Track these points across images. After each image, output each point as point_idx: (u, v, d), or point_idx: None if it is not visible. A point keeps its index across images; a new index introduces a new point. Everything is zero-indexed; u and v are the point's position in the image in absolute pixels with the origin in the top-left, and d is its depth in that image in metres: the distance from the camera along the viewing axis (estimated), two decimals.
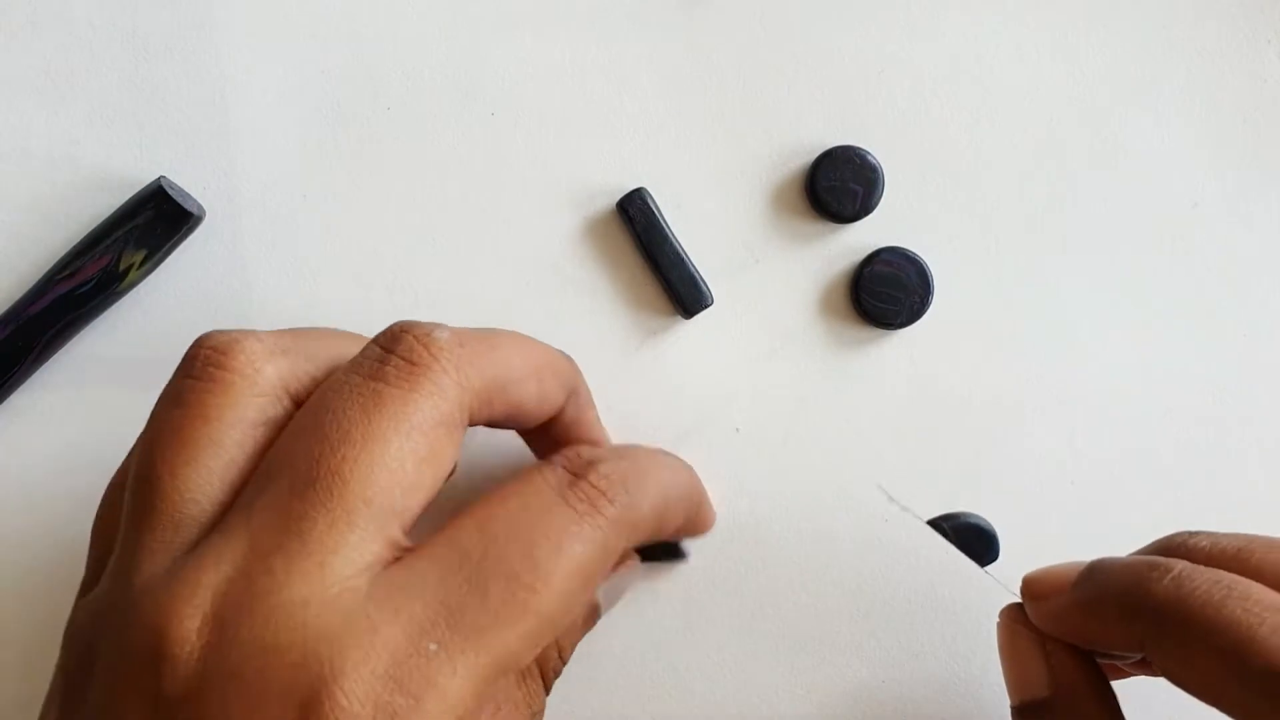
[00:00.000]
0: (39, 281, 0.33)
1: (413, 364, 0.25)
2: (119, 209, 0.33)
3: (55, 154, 0.34)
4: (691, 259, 0.35)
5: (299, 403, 0.26)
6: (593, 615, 0.31)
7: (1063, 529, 0.35)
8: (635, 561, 0.33)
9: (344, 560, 0.23)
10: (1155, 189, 0.36)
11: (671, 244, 0.35)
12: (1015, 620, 0.30)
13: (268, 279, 0.34)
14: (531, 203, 0.35)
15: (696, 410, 0.35)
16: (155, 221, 0.33)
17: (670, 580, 0.35)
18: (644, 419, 0.35)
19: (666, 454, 0.32)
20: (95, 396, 0.34)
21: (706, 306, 0.35)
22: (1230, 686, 0.25)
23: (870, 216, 0.35)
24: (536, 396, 0.29)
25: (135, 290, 0.34)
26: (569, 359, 0.31)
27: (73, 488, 0.34)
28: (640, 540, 0.27)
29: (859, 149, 0.35)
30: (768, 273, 0.35)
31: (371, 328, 0.34)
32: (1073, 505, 0.36)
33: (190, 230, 0.34)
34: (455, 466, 0.26)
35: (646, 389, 0.35)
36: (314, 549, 0.23)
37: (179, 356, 0.34)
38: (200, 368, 0.26)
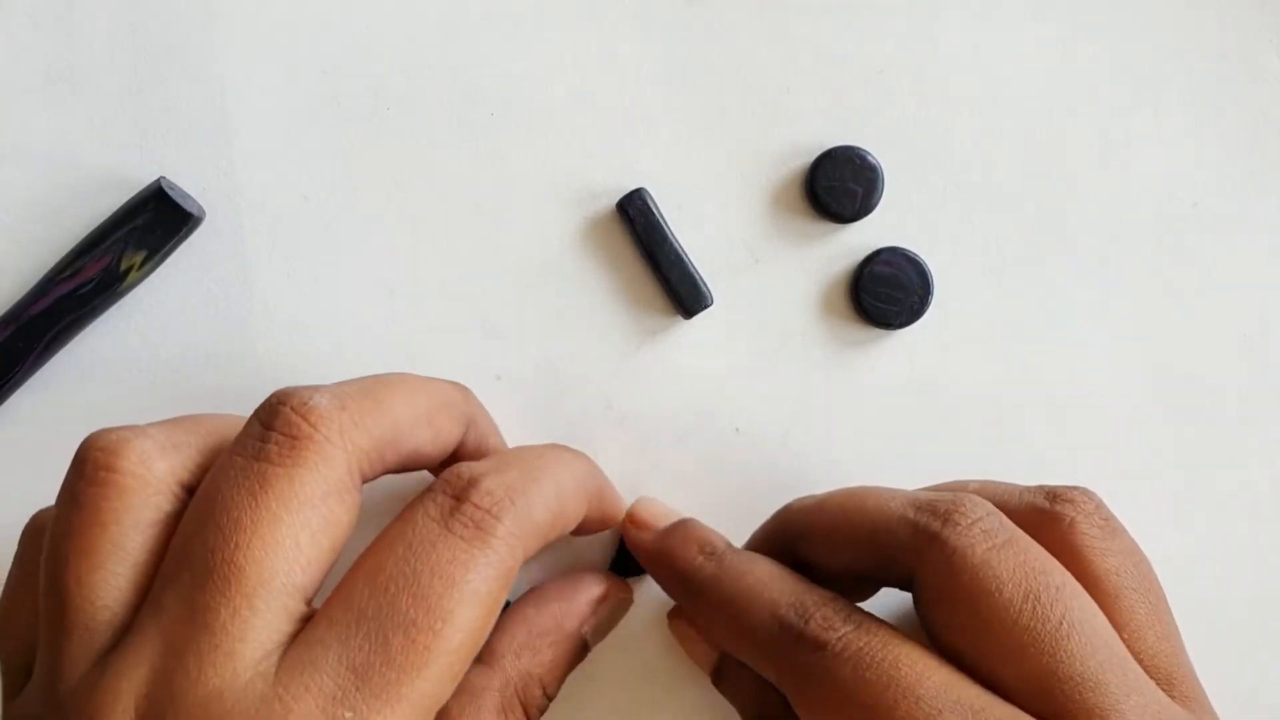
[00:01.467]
0: (39, 282, 0.33)
1: (294, 438, 0.25)
2: (119, 210, 0.33)
3: (56, 154, 0.34)
4: (691, 259, 0.35)
5: (193, 492, 0.26)
6: (580, 650, 0.31)
7: None
8: (627, 595, 0.33)
9: (252, 646, 0.24)
10: (1155, 189, 0.36)
11: (671, 244, 0.35)
12: (675, 613, 0.34)
13: (268, 279, 0.34)
14: (531, 203, 0.35)
15: (696, 410, 0.35)
16: (156, 222, 0.33)
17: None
18: (644, 419, 0.35)
19: (558, 449, 0.31)
20: (96, 397, 0.34)
21: (706, 307, 0.35)
22: (735, 644, 0.29)
23: (870, 217, 0.35)
24: (431, 439, 0.29)
25: (136, 291, 0.34)
26: (461, 390, 0.31)
27: None
28: (540, 546, 0.27)
29: (859, 149, 0.35)
30: (768, 273, 0.35)
31: (372, 328, 0.35)
32: None
33: (190, 231, 0.34)
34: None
35: (646, 389, 0.35)
36: (221, 640, 0.24)
37: (180, 357, 0.34)
38: (92, 471, 0.26)
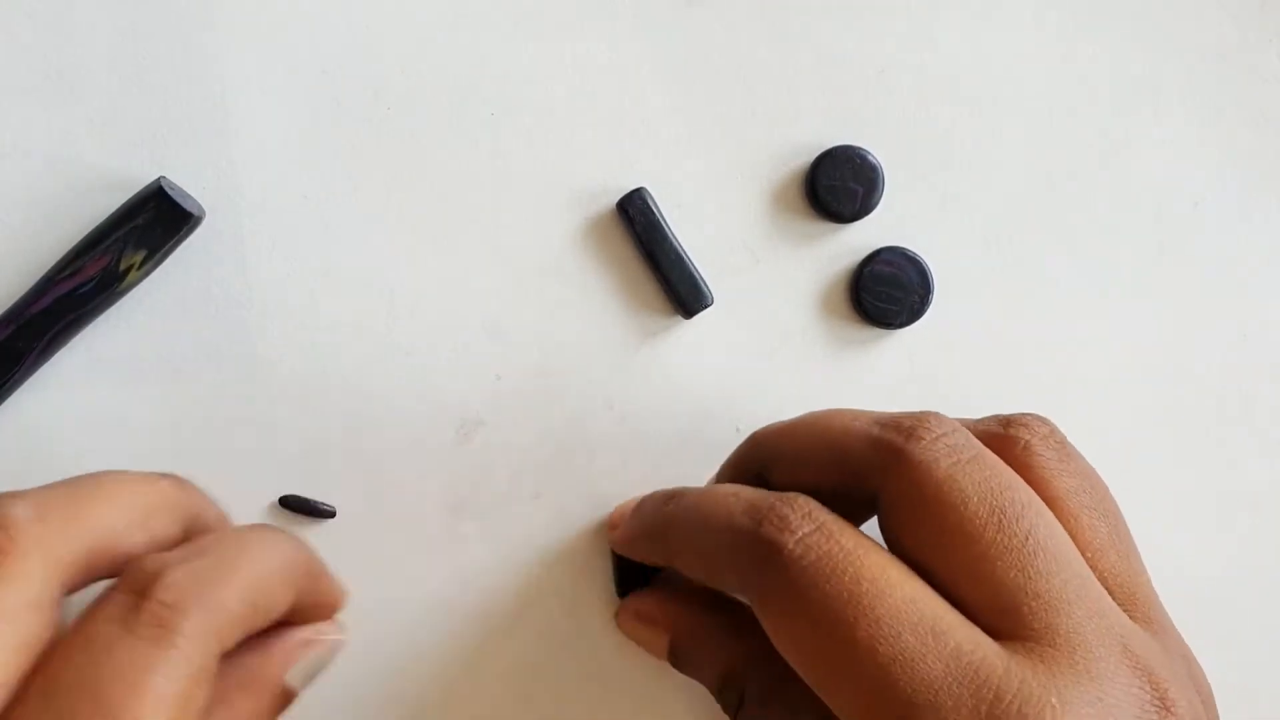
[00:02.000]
0: (39, 281, 0.33)
1: None
2: (119, 209, 0.33)
3: (55, 154, 0.34)
4: (691, 259, 0.35)
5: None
6: (284, 699, 0.29)
7: None
8: (338, 636, 0.30)
9: None
10: (1156, 189, 0.36)
11: (671, 244, 0.35)
12: (621, 613, 0.34)
13: (268, 279, 0.34)
14: (531, 203, 0.35)
15: (696, 410, 0.35)
16: (155, 221, 0.33)
17: None
18: (644, 419, 0.35)
19: (262, 531, 0.28)
20: (96, 396, 0.34)
21: (706, 306, 0.35)
22: (703, 569, 0.29)
23: (870, 216, 0.35)
24: (145, 544, 0.27)
25: (135, 290, 0.34)
26: (179, 485, 0.29)
27: None
28: (241, 636, 0.26)
29: (859, 149, 0.35)
30: (768, 273, 0.35)
31: (372, 328, 0.34)
32: None
33: (190, 230, 0.34)
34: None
35: (646, 389, 0.35)
36: None
37: (179, 356, 0.34)
38: None
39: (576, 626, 0.35)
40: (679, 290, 0.35)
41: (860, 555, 0.25)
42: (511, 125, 0.35)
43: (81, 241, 0.33)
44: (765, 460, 0.30)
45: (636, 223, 0.34)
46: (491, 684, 0.35)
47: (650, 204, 0.35)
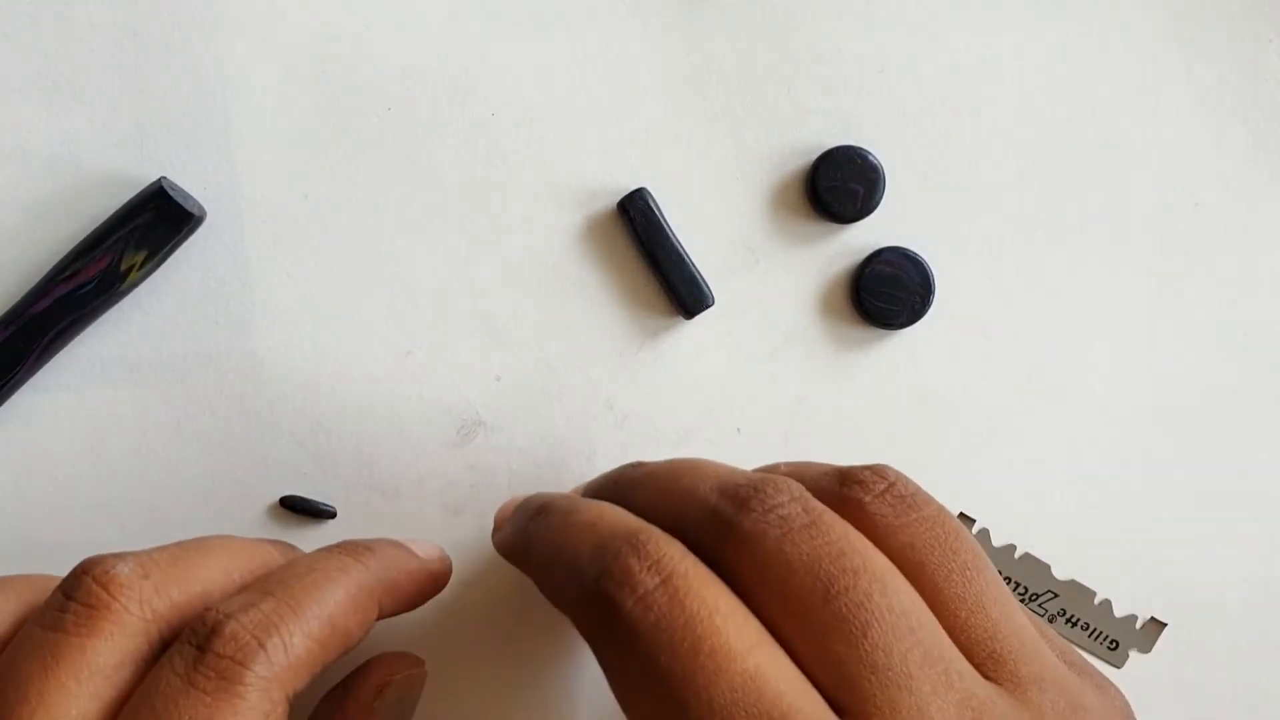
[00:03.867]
0: (40, 282, 0.33)
1: (91, 607, 0.25)
2: (120, 210, 0.33)
3: (56, 155, 0.34)
4: (692, 259, 0.35)
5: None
6: None
7: (1062, 529, 0.36)
8: (416, 670, 0.32)
9: None
10: (1156, 189, 0.36)
11: (672, 244, 0.35)
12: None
13: (269, 279, 0.34)
14: (532, 203, 0.35)
15: (697, 410, 0.35)
16: (156, 222, 0.33)
17: None
18: (644, 419, 0.35)
19: (330, 558, 0.28)
20: (96, 397, 0.34)
21: (707, 307, 0.35)
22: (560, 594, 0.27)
23: (871, 217, 0.35)
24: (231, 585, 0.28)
25: (136, 291, 0.34)
26: (283, 550, 0.30)
27: (74, 489, 0.34)
28: (310, 676, 0.26)
29: (860, 149, 0.35)
30: (768, 273, 0.35)
31: (373, 327, 0.34)
32: (1072, 505, 0.36)
33: (191, 231, 0.34)
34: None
35: (647, 389, 0.35)
36: None
37: (180, 357, 0.34)
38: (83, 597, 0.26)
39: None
40: (680, 290, 0.35)
41: (704, 619, 0.24)
42: (512, 125, 0.35)
43: (82, 242, 0.33)
44: (625, 506, 0.29)
45: (637, 223, 0.34)
46: (491, 684, 0.35)
47: (651, 204, 0.35)
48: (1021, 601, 0.34)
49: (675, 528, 0.27)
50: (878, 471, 0.27)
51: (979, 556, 0.26)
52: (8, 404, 0.34)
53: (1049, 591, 0.35)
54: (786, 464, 0.29)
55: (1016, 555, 0.35)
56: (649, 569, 0.25)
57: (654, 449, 0.35)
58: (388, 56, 0.35)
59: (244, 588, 0.27)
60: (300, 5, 0.34)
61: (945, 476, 0.35)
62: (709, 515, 0.26)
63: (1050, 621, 0.34)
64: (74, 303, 0.33)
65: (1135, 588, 0.36)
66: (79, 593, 0.25)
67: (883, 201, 0.35)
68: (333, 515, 0.35)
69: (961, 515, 0.33)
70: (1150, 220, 0.36)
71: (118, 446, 0.34)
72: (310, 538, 0.35)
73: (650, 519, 0.27)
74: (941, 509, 0.27)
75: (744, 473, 0.27)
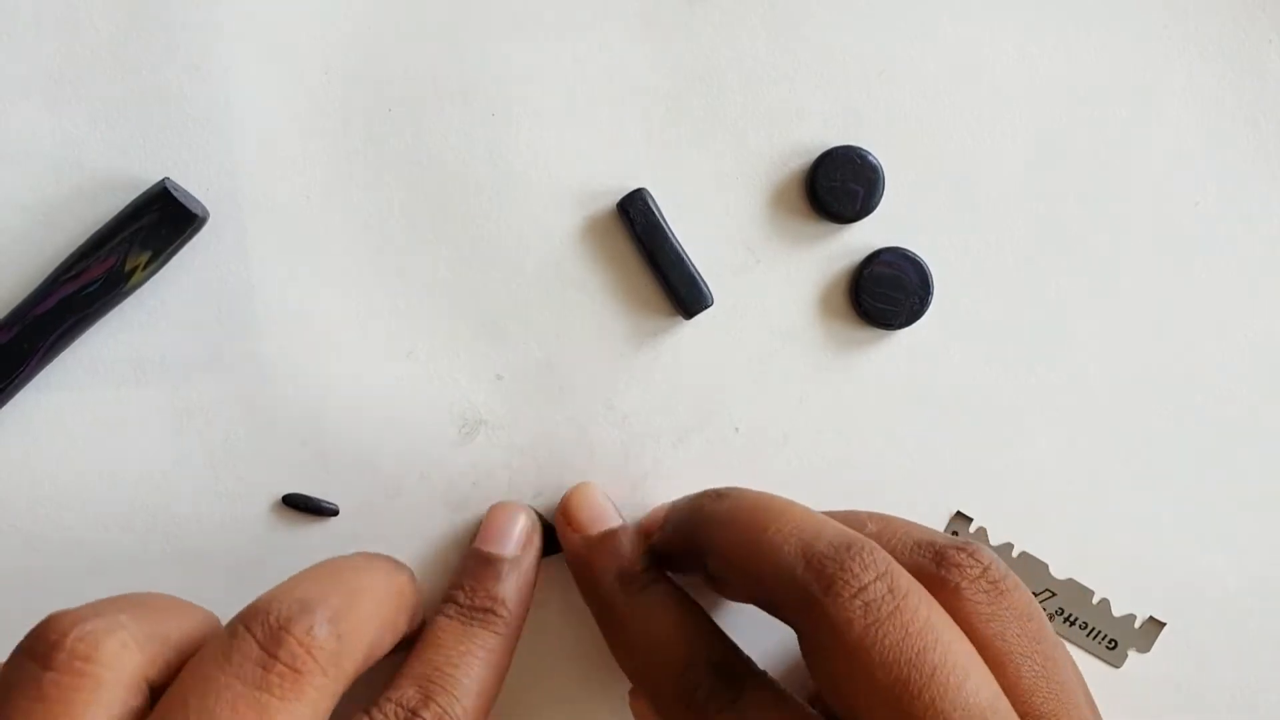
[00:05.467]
0: (44, 283, 0.33)
1: (297, 671, 0.25)
2: (123, 210, 0.34)
3: (60, 156, 0.34)
4: (692, 259, 0.35)
5: (158, 690, 0.26)
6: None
7: (1059, 528, 0.36)
8: None
9: None
10: (1156, 189, 0.35)
11: (672, 244, 0.35)
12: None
13: (272, 280, 0.35)
14: (532, 203, 0.35)
15: (696, 410, 0.35)
16: (160, 223, 0.33)
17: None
18: (644, 419, 0.35)
19: (375, 567, 0.31)
20: (100, 397, 0.34)
21: (707, 307, 0.35)
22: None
23: (870, 217, 0.35)
24: (392, 641, 0.30)
25: (140, 291, 0.34)
26: (410, 578, 0.32)
27: (77, 489, 0.34)
28: (353, 679, 0.27)
29: (859, 149, 0.35)
30: (768, 273, 0.35)
31: (374, 327, 0.35)
32: (1072, 506, 0.36)
33: (195, 231, 0.34)
34: None
35: (647, 389, 0.35)
36: None
37: (184, 357, 0.35)
38: (66, 660, 0.25)
39: (576, 626, 0.35)
40: (679, 291, 0.35)
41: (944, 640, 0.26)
42: (512, 126, 0.35)
43: (86, 243, 0.34)
44: (704, 550, 0.30)
45: (637, 223, 0.35)
46: None
47: (651, 204, 0.35)
48: None
49: (756, 589, 0.28)
50: (973, 554, 0.28)
51: (1057, 644, 0.28)
52: (11, 404, 0.34)
53: (1047, 590, 0.35)
54: (871, 516, 0.30)
55: (1014, 554, 0.35)
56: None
57: (653, 448, 0.35)
58: (389, 58, 0.35)
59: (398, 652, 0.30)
60: (303, 7, 0.35)
61: (943, 476, 0.35)
62: (792, 585, 0.27)
63: (1048, 620, 0.34)
64: (78, 303, 0.33)
65: (1134, 587, 0.36)
66: (283, 652, 0.25)
67: (882, 202, 0.35)
68: (335, 513, 0.35)
69: (959, 514, 0.34)
70: (1149, 220, 0.35)
71: (121, 446, 0.34)
72: (313, 535, 0.35)
73: (730, 574, 0.29)
74: (1028, 594, 0.29)
75: (829, 531, 0.28)
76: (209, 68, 0.34)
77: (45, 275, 0.34)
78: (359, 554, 0.33)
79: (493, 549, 0.33)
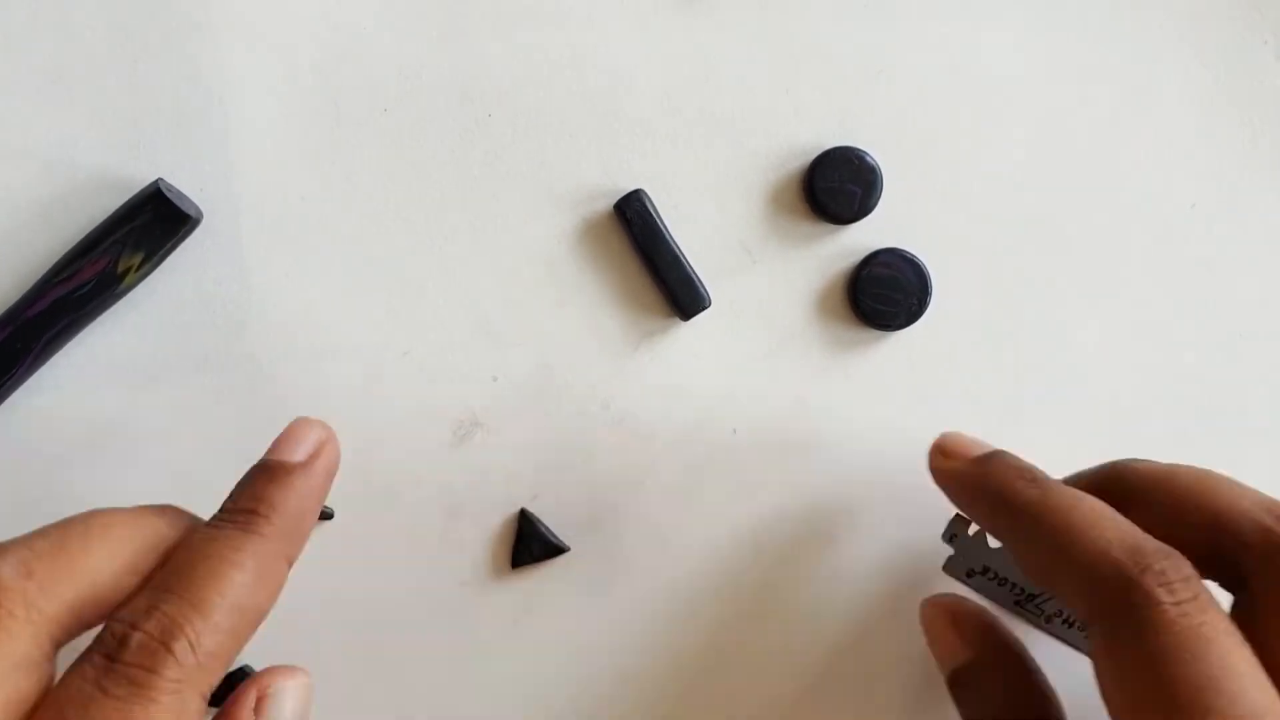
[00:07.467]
0: (37, 283, 0.33)
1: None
2: (117, 211, 0.33)
3: (53, 156, 0.34)
4: (689, 260, 0.35)
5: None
6: None
7: None
8: (304, 678, 0.29)
9: None
10: (1153, 189, 0.36)
11: (669, 245, 0.35)
12: (932, 603, 0.33)
13: (266, 280, 0.34)
14: (529, 204, 0.35)
15: (694, 411, 0.35)
16: (153, 223, 0.33)
17: (668, 580, 0.35)
18: (642, 420, 0.35)
19: (226, 536, 0.27)
20: (93, 399, 0.34)
21: (704, 308, 0.35)
22: (1053, 574, 0.28)
23: (868, 218, 0.35)
24: (138, 585, 0.27)
25: (133, 292, 0.34)
26: (170, 519, 0.28)
27: (70, 490, 0.34)
28: (229, 662, 0.26)
29: (857, 150, 0.35)
30: (766, 274, 0.35)
31: (370, 328, 0.35)
32: None
33: (188, 232, 0.34)
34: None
35: (644, 390, 0.35)
36: None
37: (177, 358, 0.34)
38: None
39: (575, 627, 0.35)
40: (677, 292, 0.35)
41: (1229, 638, 0.26)
42: (509, 126, 0.35)
43: (79, 243, 0.33)
44: (1133, 496, 0.30)
45: (634, 224, 0.34)
46: (490, 684, 0.35)
47: (648, 205, 0.35)
48: (1018, 604, 0.34)
49: (1199, 537, 0.28)
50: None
51: None
52: (4, 405, 0.34)
53: (1046, 591, 0.35)
54: (1188, 469, 0.30)
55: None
56: (1184, 581, 0.26)
57: (651, 449, 0.35)
58: (385, 57, 0.35)
59: (144, 581, 0.27)
60: (298, 7, 0.34)
61: None
62: (1261, 534, 0.27)
63: (1048, 622, 0.34)
64: (71, 304, 0.33)
65: None
66: None
67: (880, 203, 0.35)
68: (330, 516, 0.35)
69: (957, 516, 0.33)
70: (1146, 220, 0.36)
71: (114, 448, 0.34)
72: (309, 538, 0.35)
73: (1171, 522, 0.29)
74: None
75: (1139, 539, 0.28)
76: (203, 68, 0.34)
77: (38, 276, 0.33)
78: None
79: (272, 455, 0.30)
